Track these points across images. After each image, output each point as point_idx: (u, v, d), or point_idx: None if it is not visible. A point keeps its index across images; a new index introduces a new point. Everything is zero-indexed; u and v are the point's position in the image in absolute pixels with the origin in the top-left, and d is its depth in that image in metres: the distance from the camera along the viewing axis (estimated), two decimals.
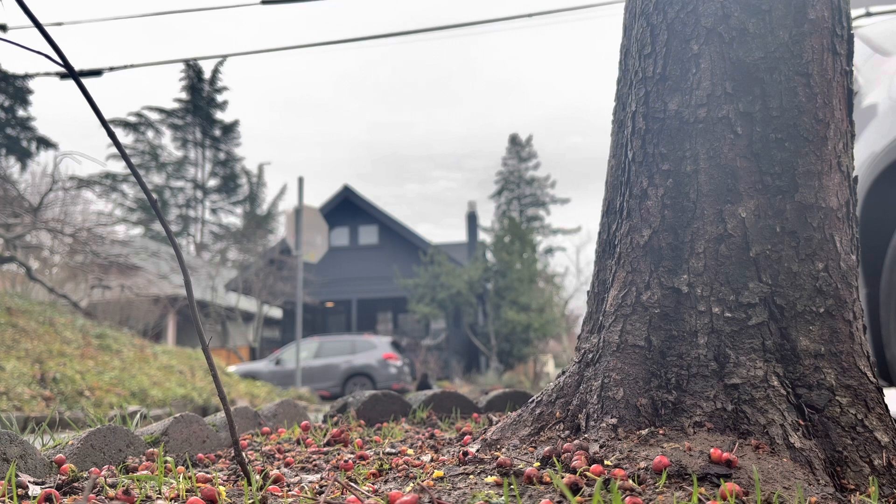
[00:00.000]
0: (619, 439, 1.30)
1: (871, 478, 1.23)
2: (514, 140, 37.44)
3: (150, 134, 34.30)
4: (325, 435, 2.02)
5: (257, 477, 1.38)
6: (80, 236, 11.89)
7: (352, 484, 1.26)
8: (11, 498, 1.16)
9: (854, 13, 2.95)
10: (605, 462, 1.21)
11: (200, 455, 1.73)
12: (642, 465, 1.17)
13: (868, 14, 2.96)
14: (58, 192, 12.01)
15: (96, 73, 9.51)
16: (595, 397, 1.41)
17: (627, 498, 1.02)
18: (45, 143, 26.96)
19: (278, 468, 1.56)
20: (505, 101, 67.87)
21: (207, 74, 35.16)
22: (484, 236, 29.51)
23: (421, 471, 1.38)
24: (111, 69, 9.54)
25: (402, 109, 66.59)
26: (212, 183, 35.75)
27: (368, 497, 1.17)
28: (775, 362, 1.34)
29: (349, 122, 65.12)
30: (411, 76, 67.51)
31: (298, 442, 1.95)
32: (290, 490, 1.29)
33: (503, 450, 1.43)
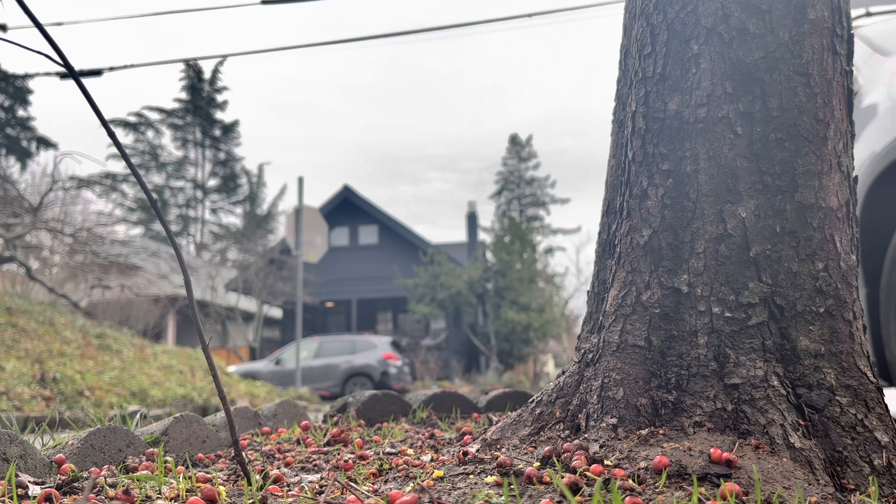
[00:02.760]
0: (619, 439, 1.30)
1: (871, 478, 1.23)
2: (513, 140, 37.45)
3: (150, 134, 34.30)
4: (325, 435, 2.02)
5: (257, 477, 1.38)
6: (80, 236, 11.90)
7: (352, 484, 1.26)
8: (11, 498, 1.16)
9: (854, 13, 2.95)
10: (605, 462, 1.21)
11: (200, 455, 1.73)
12: (642, 464, 1.17)
13: (868, 14, 2.96)
14: (58, 192, 12.01)
15: (96, 73, 9.51)
16: (595, 397, 1.41)
17: (627, 498, 1.02)
18: (45, 143, 26.96)
19: (278, 468, 1.56)
20: (500, 102, 68.03)
21: (207, 74, 35.18)
22: (484, 236, 29.53)
23: (421, 471, 1.38)
24: (111, 69, 9.54)
25: (396, 111, 66.54)
26: (212, 183, 35.76)
27: (368, 497, 1.17)
28: (775, 362, 1.34)
29: (346, 124, 65.15)
30: (408, 77, 67.43)
31: (298, 442, 1.95)
32: (290, 490, 1.29)
33: (503, 450, 1.43)
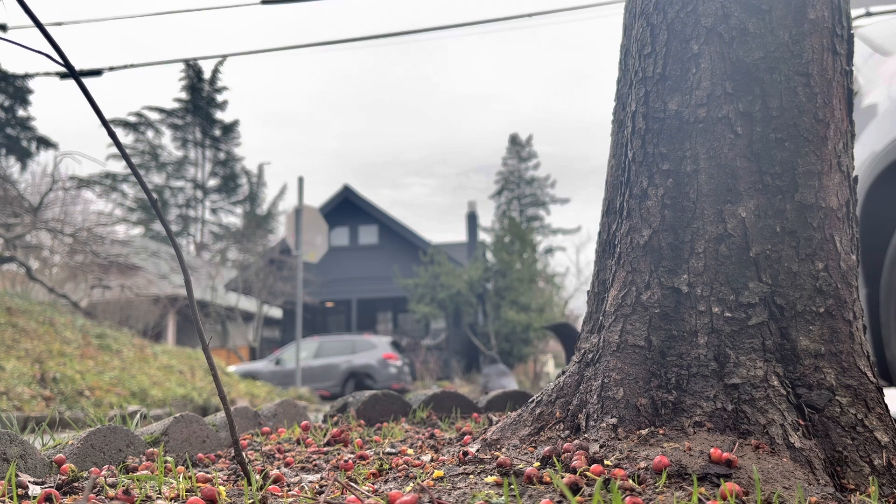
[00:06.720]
0: (619, 439, 1.30)
1: (871, 478, 1.23)
2: (513, 140, 37.47)
3: (150, 134, 34.32)
4: (325, 435, 2.02)
5: (257, 477, 1.38)
6: (80, 236, 11.89)
7: (352, 484, 1.26)
8: (11, 498, 1.16)
9: (854, 13, 2.95)
10: (605, 462, 1.21)
11: (200, 455, 1.73)
12: (642, 464, 1.17)
13: (868, 14, 2.96)
14: (58, 192, 12.01)
15: (96, 72, 9.51)
16: (595, 397, 1.41)
17: (627, 498, 1.02)
18: (45, 143, 26.97)
19: (278, 468, 1.56)
20: (477, 109, 67.97)
21: (207, 74, 35.19)
22: (484, 236, 29.53)
23: (421, 471, 1.38)
24: (111, 69, 9.54)
25: (370, 118, 66.29)
26: (212, 183, 35.78)
27: (368, 497, 1.17)
28: (775, 362, 1.34)
29: (323, 131, 64.96)
30: (383, 84, 66.89)
31: (298, 442, 1.95)
32: (290, 490, 1.29)
33: (503, 450, 1.43)
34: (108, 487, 1.26)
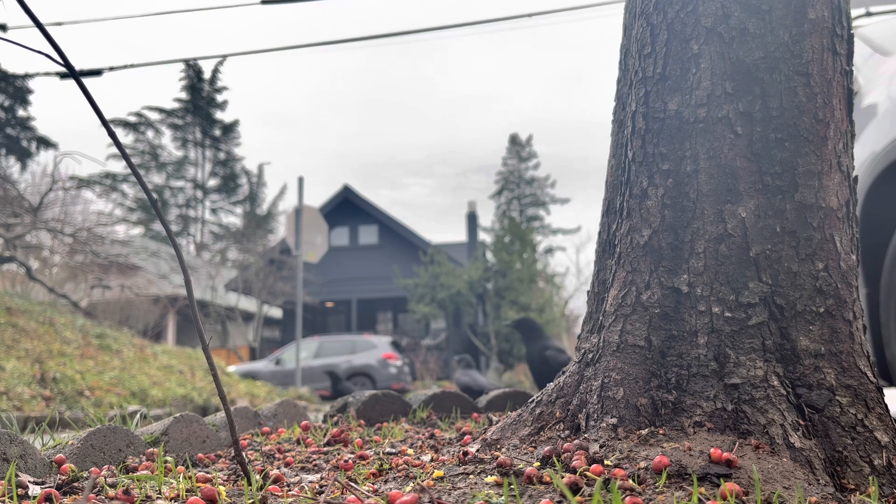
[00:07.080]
0: (619, 439, 1.30)
1: (871, 478, 1.23)
2: (514, 140, 37.48)
3: (150, 134, 34.34)
4: (325, 435, 2.02)
5: (257, 477, 1.38)
6: (80, 236, 11.89)
7: (352, 484, 1.26)
8: (11, 498, 1.16)
9: (854, 13, 2.95)
10: (605, 462, 1.21)
11: (200, 455, 1.73)
12: (642, 464, 1.17)
13: (868, 14, 2.96)
14: (58, 192, 12.01)
15: (96, 72, 9.51)
16: (595, 397, 1.41)
17: (627, 498, 1.02)
18: (45, 143, 26.98)
19: (278, 468, 1.56)
20: (483, 107, 67.86)
21: (207, 74, 35.19)
22: (484, 236, 29.54)
23: (421, 471, 1.38)
24: (111, 69, 9.54)
25: (368, 118, 66.16)
26: (212, 183, 35.78)
27: (368, 497, 1.17)
28: (775, 362, 1.34)
29: (322, 132, 64.88)
30: (380, 85, 66.67)
31: (298, 442, 1.95)
32: (290, 490, 1.29)
33: (503, 450, 1.43)
34: (108, 487, 1.26)
